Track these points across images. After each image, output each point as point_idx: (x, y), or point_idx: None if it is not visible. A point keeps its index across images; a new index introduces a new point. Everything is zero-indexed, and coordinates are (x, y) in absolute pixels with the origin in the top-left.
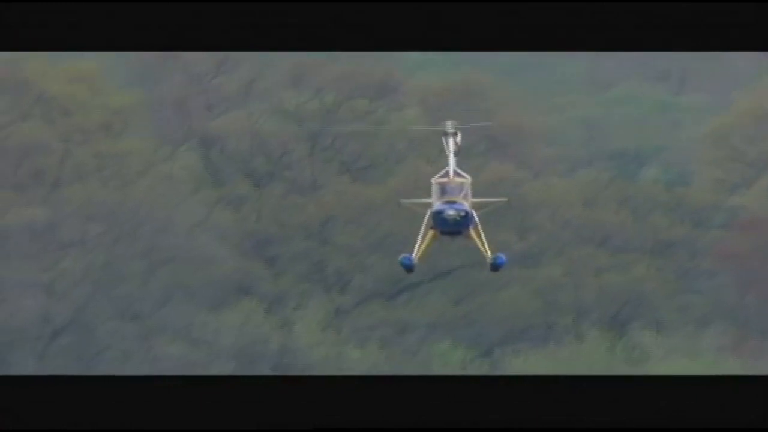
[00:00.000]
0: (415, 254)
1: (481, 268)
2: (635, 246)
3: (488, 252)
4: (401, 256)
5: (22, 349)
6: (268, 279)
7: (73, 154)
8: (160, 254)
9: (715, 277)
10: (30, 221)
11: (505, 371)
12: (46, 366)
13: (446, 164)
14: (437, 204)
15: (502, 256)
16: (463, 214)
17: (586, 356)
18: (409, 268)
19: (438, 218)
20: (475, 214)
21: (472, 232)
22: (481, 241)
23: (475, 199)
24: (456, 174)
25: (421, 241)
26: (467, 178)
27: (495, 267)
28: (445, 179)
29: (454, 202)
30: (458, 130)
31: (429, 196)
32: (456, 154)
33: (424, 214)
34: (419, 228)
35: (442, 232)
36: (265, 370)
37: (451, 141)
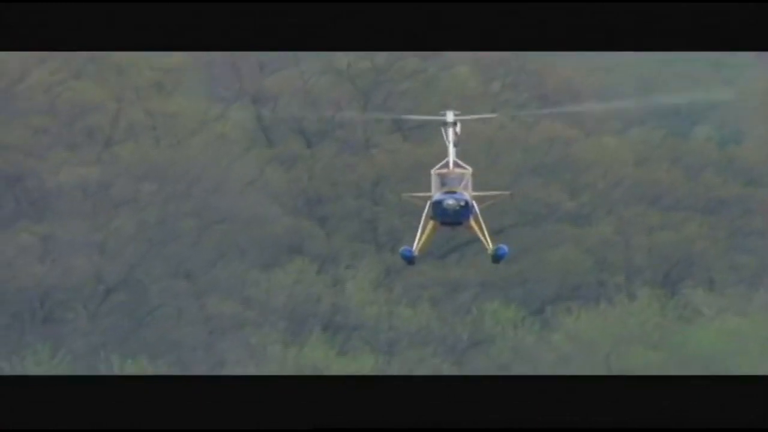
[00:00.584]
0: (416, 246)
1: (533, 228)
2: (687, 205)
3: (489, 243)
4: (401, 249)
5: (74, 308)
6: (320, 238)
7: (126, 113)
8: (212, 213)
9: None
10: (83, 180)
11: (556, 330)
12: (99, 325)
13: (451, 153)
14: (437, 195)
15: (504, 247)
16: (462, 203)
17: (638, 315)
18: (409, 260)
19: (437, 208)
20: (475, 205)
21: (473, 223)
22: (482, 231)
23: (477, 193)
24: (456, 165)
25: (422, 233)
26: (468, 169)
27: (496, 258)
28: (444, 170)
29: (454, 192)
30: (458, 121)
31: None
32: (456, 145)
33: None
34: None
35: (442, 223)
36: (316, 329)
37: (450, 131)
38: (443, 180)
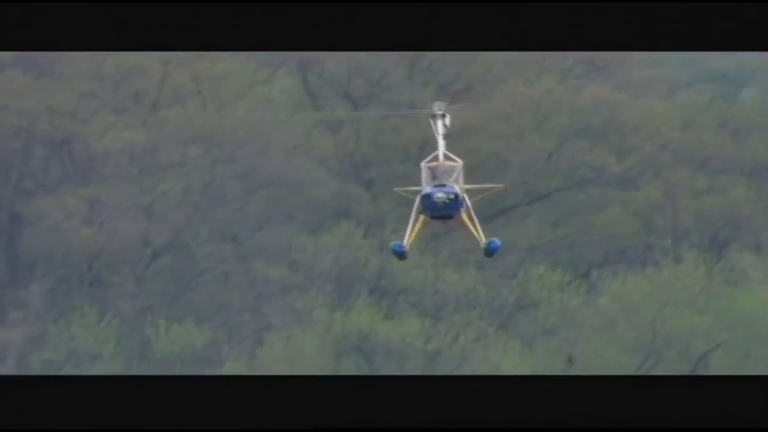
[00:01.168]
0: (407, 241)
1: (579, 191)
2: (734, 168)
3: (482, 237)
4: (392, 243)
5: (121, 271)
6: (367, 202)
7: (172, 76)
8: (259, 177)
9: None
10: (129, 144)
11: (602, 293)
12: (145, 288)
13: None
14: (426, 188)
15: (497, 241)
16: (452, 196)
17: (684, 278)
18: (401, 255)
19: (427, 202)
20: (466, 198)
21: (464, 217)
22: (473, 225)
23: (470, 186)
24: (446, 158)
25: (412, 227)
26: (458, 162)
27: (489, 252)
28: (435, 163)
29: (443, 185)
30: (447, 113)
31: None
32: (446, 137)
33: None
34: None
35: (433, 217)
36: (362, 293)
37: (439, 123)
38: (433, 173)
